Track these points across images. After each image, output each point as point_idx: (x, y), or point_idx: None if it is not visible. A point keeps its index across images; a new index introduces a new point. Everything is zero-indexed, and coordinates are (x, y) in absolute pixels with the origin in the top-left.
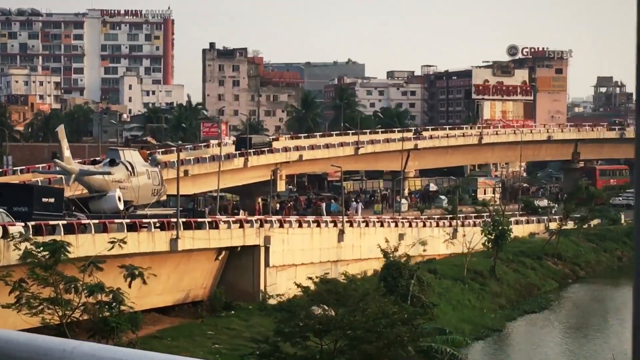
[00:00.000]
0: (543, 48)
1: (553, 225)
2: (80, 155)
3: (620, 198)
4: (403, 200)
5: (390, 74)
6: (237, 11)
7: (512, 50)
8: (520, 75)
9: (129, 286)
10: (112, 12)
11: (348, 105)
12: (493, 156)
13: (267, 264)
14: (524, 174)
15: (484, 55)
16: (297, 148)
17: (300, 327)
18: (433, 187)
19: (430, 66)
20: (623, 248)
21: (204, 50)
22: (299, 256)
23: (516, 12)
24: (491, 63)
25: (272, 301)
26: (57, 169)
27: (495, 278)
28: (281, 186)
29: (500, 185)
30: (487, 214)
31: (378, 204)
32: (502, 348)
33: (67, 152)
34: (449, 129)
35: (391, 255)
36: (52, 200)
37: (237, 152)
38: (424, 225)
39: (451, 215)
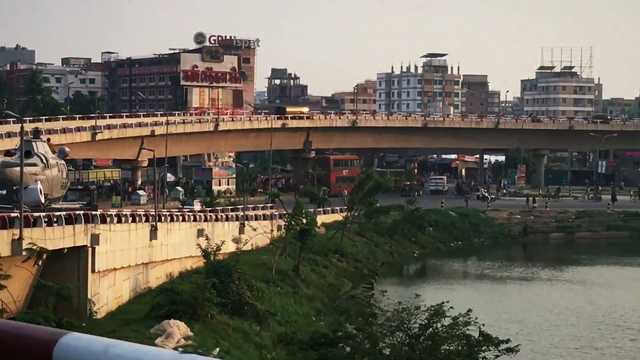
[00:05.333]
0: (230, 36)
1: (325, 219)
2: None
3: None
4: (142, 192)
5: (65, 61)
6: None
7: (199, 38)
8: (230, 62)
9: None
10: None
11: (39, 91)
12: (227, 144)
13: (92, 269)
14: (233, 165)
15: (170, 43)
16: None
17: None
18: (170, 177)
19: (111, 53)
20: (390, 242)
21: None
22: (118, 258)
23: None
24: (177, 51)
25: (98, 316)
26: None
27: (300, 279)
28: None
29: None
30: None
31: (117, 196)
32: None
33: None
34: (184, 114)
35: (212, 255)
36: (4, 192)
37: None
38: (216, 220)
39: (215, 208)
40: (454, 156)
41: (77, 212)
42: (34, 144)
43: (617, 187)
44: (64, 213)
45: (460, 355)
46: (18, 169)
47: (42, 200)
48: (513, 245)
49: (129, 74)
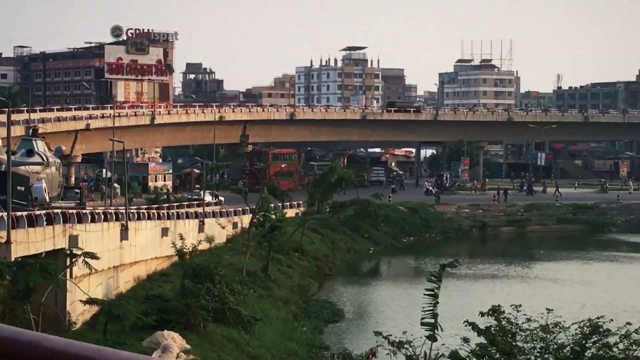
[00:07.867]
0: (149, 30)
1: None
2: None
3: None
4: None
5: None
6: None
7: (116, 31)
8: (155, 54)
9: None
10: None
11: None
12: (162, 139)
13: (70, 275)
14: (160, 160)
15: (86, 36)
16: None
17: None
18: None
19: (23, 47)
20: (345, 239)
21: None
22: (93, 262)
23: None
24: (94, 44)
25: (77, 327)
26: None
27: (270, 280)
28: None
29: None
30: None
31: None
32: None
33: None
34: (117, 107)
35: (188, 256)
36: (22, 188)
37: None
38: (178, 218)
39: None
40: (378, 149)
41: (56, 211)
42: (34, 142)
43: (547, 181)
44: (44, 212)
45: None
46: (30, 167)
47: (47, 198)
48: (465, 240)
49: (43, 69)
